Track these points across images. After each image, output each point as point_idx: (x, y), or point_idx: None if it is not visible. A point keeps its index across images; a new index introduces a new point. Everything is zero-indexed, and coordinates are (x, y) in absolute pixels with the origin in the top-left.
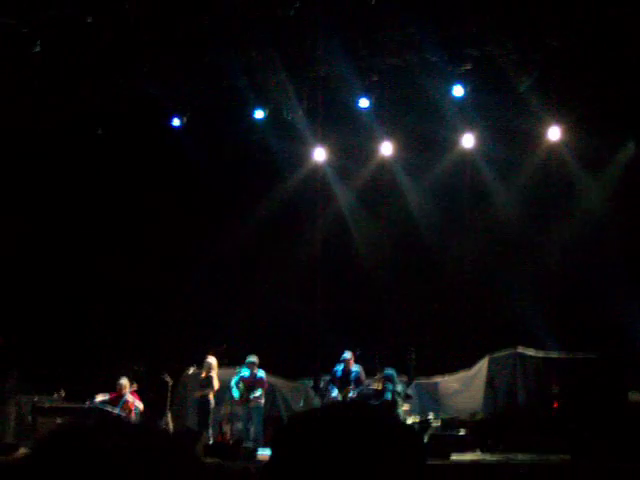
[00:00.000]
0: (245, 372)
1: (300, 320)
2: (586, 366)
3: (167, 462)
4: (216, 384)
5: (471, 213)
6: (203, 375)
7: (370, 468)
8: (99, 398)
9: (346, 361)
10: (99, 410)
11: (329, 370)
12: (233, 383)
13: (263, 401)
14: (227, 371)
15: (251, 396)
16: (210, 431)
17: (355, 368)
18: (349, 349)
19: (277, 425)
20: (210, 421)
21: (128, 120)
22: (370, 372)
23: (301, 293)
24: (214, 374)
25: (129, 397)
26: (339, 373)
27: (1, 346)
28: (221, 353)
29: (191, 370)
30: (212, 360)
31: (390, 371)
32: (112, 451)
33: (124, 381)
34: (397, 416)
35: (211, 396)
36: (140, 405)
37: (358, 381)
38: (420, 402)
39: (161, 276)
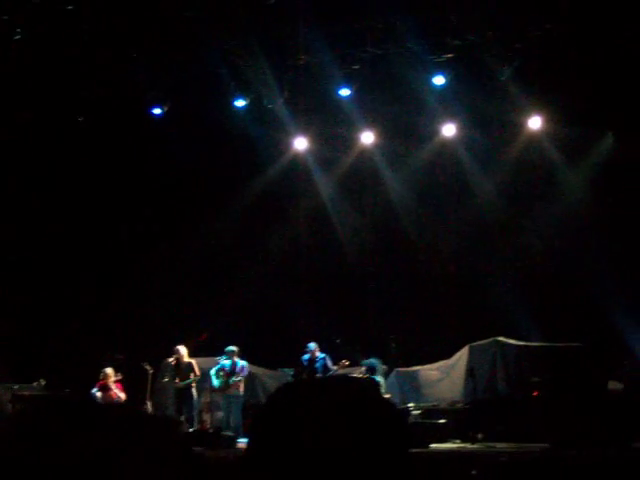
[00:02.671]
0: (225, 361)
1: (281, 309)
2: (566, 355)
3: (155, 446)
4: (197, 369)
5: (452, 202)
6: (173, 362)
7: (353, 447)
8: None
9: (311, 352)
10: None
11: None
12: (213, 372)
13: (242, 390)
14: (208, 360)
15: (230, 381)
16: (192, 418)
17: (320, 355)
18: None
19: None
20: (192, 410)
21: (109, 108)
22: (352, 361)
23: (282, 282)
24: (192, 360)
25: (113, 386)
26: (306, 362)
27: None
28: (202, 342)
29: (171, 359)
30: (182, 347)
31: (373, 361)
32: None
33: (109, 370)
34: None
35: (193, 384)
36: (122, 395)
37: (325, 369)
38: (400, 391)
39: (142, 264)
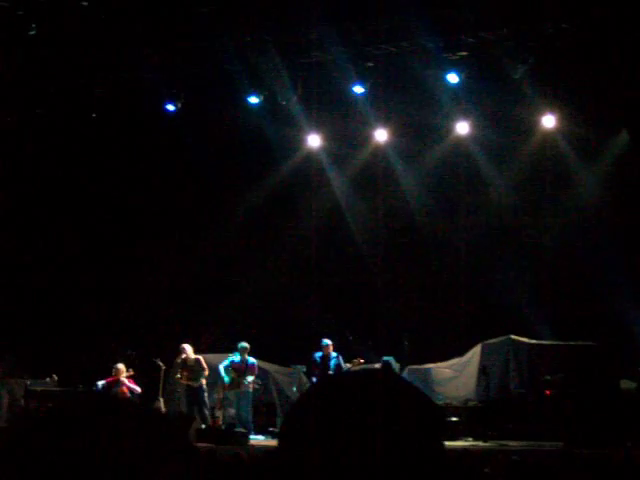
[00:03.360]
0: (236, 357)
1: (294, 306)
2: (579, 354)
3: (161, 443)
4: (205, 365)
5: (465, 200)
6: (179, 360)
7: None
8: (101, 383)
9: (325, 348)
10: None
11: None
12: (222, 367)
13: (252, 388)
14: (217, 356)
15: (245, 382)
16: (204, 415)
17: (334, 354)
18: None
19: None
20: (203, 406)
21: (123, 105)
22: (366, 359)
23: (295, 279)
24: (199, 357)
25: (125, 381)
26: (318, 360)
27: None
28: (213, 338)
29: (184, 355)
30: (187, 345)
31: (389, 358)
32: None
33: (121, 366)
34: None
35: (204, 381)
36: (137, 389)
37: (338, 367)
38: None
39: (156, 260)
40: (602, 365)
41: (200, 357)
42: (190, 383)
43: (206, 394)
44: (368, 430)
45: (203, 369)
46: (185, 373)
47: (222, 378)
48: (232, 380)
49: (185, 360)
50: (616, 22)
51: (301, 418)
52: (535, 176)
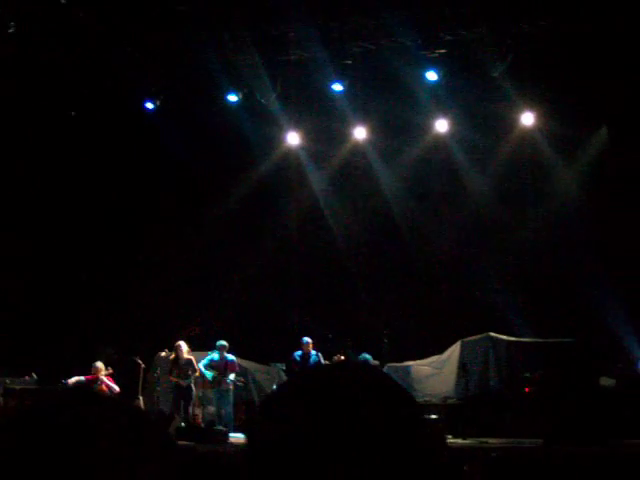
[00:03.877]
0: (215, 355)
1: (273, 304)
2: (558, 351)
3: (142, 440)
4: (196, 366)
5: (445, 198)
6: (172, 357)
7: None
8: (73, 379)
9: (305, 346)
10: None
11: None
12: (201, 366)
13: (232, 386)
14: (199, 355)
15: (228, 380)
16: (188, 412)
17: (313, 352)
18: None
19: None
20: (189, 404)
21: (102, 102)
22: (345, 357)
23: (274, 277)
24: (191, 356)
25: (104, 380)
26: (298, 358)
27: None
28: (192, 336)
29: (163, 353)
30: (183, 343)
31: (366, 356)
32: (81, 425)
33: (99, 364)
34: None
35: (192, 380)
36: (116, 388)
37: (317, 365)
38: None
39: (134, 259)
40: (581, 362)
41: (192, 357)
42: (179, 382)
43: (194, 392)
44: (344, 423)
45: (194, 370)
46: (175, 371)
47: (203, 375)
48: (214, 378)
49: (177, 359)
50: (594, 18)
51: (276, 410)
52: (514, 173)
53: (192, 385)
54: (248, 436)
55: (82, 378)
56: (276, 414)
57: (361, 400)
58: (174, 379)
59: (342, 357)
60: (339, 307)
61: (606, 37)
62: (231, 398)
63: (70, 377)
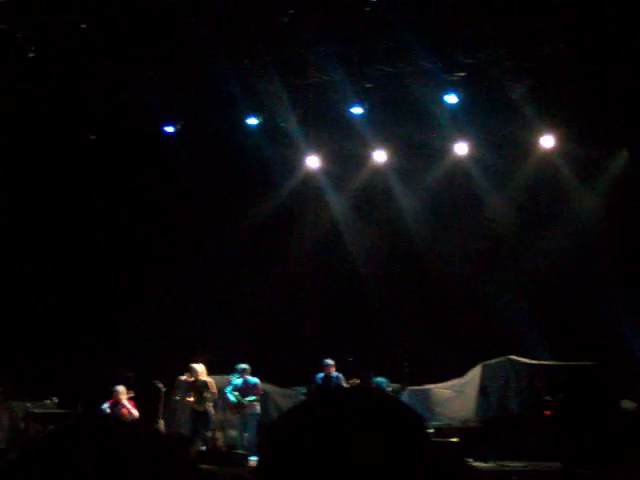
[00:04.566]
0: (238, 380)
1: (293, 327)
2: (579, 374)
3: (163, 464)
4: (214, 388)
5: (464, 221)
6: (192, 380)
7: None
8: (105, 405)
9: (327, 368)
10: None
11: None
12: (228, 390)
13: (259, 407)
14: (220, 378)
15: (245, 401)
16: (206, 438)
17: (335, 375)
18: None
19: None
20: (207, 428)
21: (121, 126)
22: (363, 380)
23: (294, 300)
24: (209, 379)
25: (125, 403)
26: (320, 381)
27: None
28: (212, 360)
29: (184, 377)
30: (198, 366)
31: (381, 379)
32: (107, 452)
33: (121, 388)
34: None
35: (210, 404)
36: (135, 412)
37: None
38: None
39: (153, 282)
40: (602, 385)
41: (210, 380)
42: (195, 406)
43: (212, 417)
44: (347, 450)
45: (211, 393)
46: (192, 394)
47: (227, 399)
48: (237, 401)
49: (194, 382)
50: (614, 41)
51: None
52: (534, 196)
53: (210, 409)
54: (257, 459)
55: (106, 405)
56: (282, 439)
57: (366, 427)
58: (190, 401)
59: (357, 381)
60: (359, 330)
61: (626, 60)
62: (255, 422)
63: (98, 402)
